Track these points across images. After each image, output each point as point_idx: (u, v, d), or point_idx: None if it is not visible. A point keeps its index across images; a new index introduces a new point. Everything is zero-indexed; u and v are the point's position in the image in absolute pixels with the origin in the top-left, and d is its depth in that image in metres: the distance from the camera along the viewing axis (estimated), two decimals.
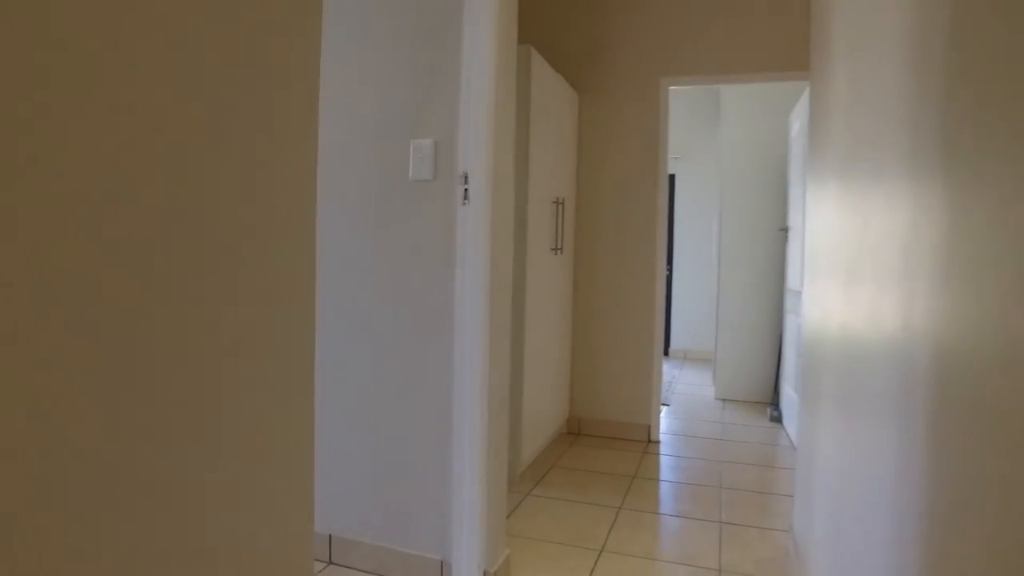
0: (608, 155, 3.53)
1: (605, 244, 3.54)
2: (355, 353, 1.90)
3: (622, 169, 3.51)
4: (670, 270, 6.42)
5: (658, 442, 3.47)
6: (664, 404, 4.36)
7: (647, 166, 3.46)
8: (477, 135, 1.71)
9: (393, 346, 1.85)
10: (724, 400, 4.53)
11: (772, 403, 4.27)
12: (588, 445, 3.38)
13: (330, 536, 1.96)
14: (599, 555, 2.10)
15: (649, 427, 3.49)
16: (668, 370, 5.73)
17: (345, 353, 1.92)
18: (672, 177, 6.40)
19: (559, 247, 3.26)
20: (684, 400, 4.55)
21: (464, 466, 1.76)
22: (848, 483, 1.29)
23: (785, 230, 4.12)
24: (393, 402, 1.86)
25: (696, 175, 6.39)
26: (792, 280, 3.69)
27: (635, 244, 3.49)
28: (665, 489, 2.75)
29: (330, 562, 1.95)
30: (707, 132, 6.33)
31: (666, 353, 6.45)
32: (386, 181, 1.85)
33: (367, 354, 1.89)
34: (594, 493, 2.67)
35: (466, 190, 1.73)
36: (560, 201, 3.26)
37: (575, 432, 3.61)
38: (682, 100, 6.38)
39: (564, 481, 2.81)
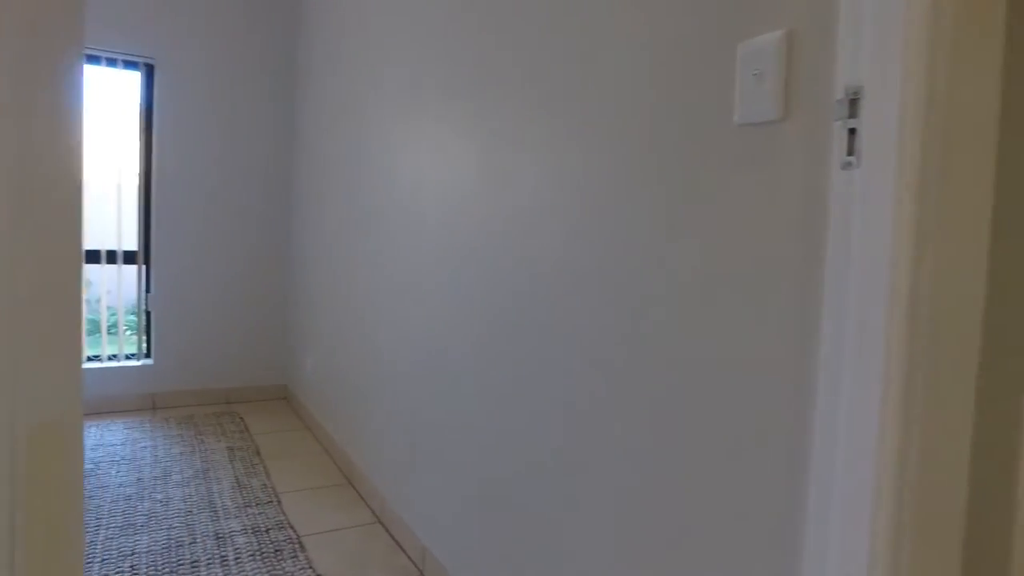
0: None
1: None
2: (608, 451, 1.10)
3: None
4: None
5: None
6: None
7: None
8: (883, 6, 0.71)
9: (674, 453, 0.99)
10: None
11: None
12: None
13: None
14: None
15: None
16: None
17: (590, 450, 1.13)
18: None
19: None
20: None
21: None
22: None
23: None
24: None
25: None
26: None
27: None
28: None
29: None
30: None
31: None
32: (681, 134, 0.99)
33: (631, 458, 1.07)
34: None
35: (852, 133, 0.75)
36: None
37: None
38: None
39: None
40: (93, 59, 3.26)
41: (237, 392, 3.74)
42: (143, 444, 2.93)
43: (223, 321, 3.68)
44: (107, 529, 2.13)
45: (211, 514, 2.27)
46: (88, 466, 2.65)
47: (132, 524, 2.17)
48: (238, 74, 3.56)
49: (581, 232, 1.25)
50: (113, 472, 2.60)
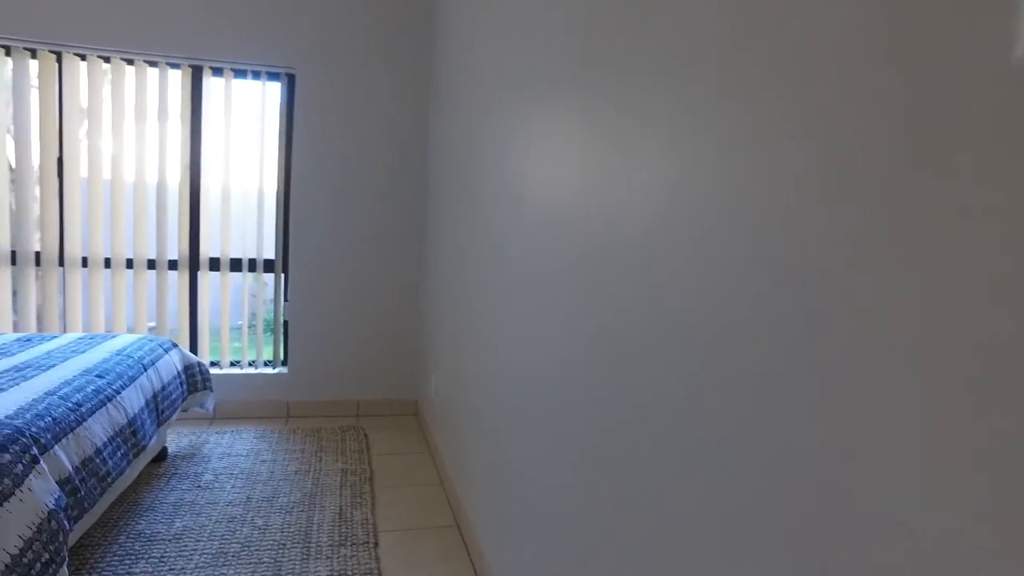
0: None
1: None
2: None
3: None
4: None
5: None
6: None
7: None
8: None
9: None
10: None
11: None
12: None
13: None
14: None
15: None
16: None
17: None
18: None
19: None
20: None
21: None
22: None
23: None
24: None
25: None
26: None
27: None
28: None
29: None
30: None
31: None
32: (899, 91, 0.52)
33: None
34: None
35: None
36: None
37: None
38: None
39: None
40: (240, 73, 3.34)
41: (368, 405, 3.66)
42: (264, 458, 2.89)
43: (357, 332, 3.61)
44: (200, 556, 2.04)
45: (303, 551, 2.09)
46: (208, 477, 2.64)
47: (224, 553, 2.06)
48: (375, 82, 3.48)
49: (728, 252, 0.81)
50: (228, 487, 2.55)
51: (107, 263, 3.30)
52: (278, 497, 2.48)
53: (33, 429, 1.66)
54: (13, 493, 1.52)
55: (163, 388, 2.48)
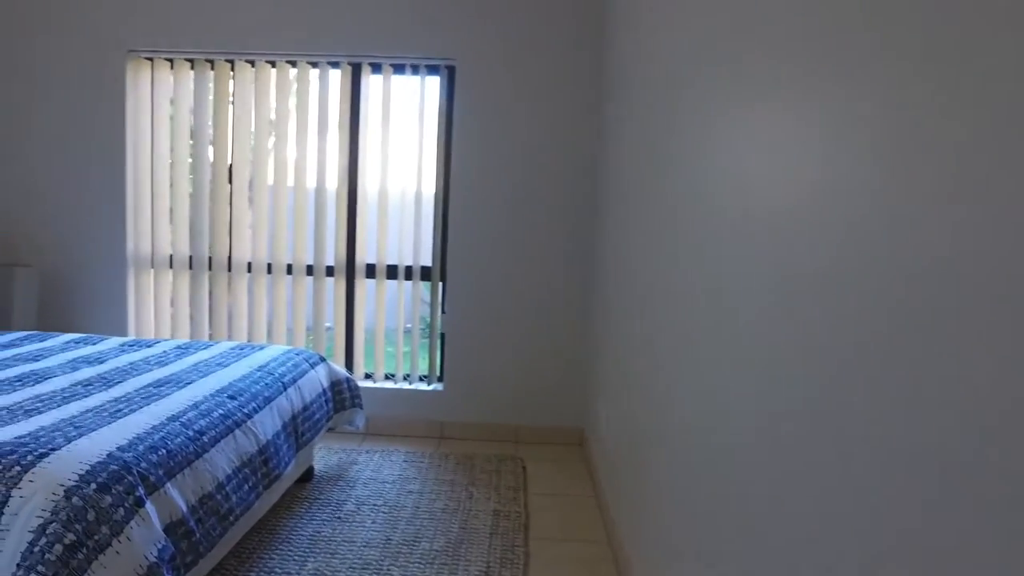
0: None
1: None
2: None
3: None
4: None
5: None
6: None
7: None
8: None
9: None
10: None
11: None
12: None
13: None
14: None
15: None
16: None
17: None
18: None
19: None
20: None
21: None
22: None
23: None
24: None
25: None
26: None
27: None
28: None
29: None
30: None
31: None
32: None
33: None
34: None
35: None
36: None
37: None
38: None
39: None
40: (398, 68, 3.12)
41: (528, 431, 3.27)
42: (411, 487, 2.60)
43: (519, 350, 3.24)
44: None
45: None
46: (350, 507, 2.39)
47: None
48: (541, 72, 3.08)
49: None
50: (368, 523, 2.28)
51: (268, 268, 3.26)
52: (419, 541, 2.16)
53: (143, 464, 1.45)
54: (110, 544, 1.30)
55: (304, 408, 2.27)
